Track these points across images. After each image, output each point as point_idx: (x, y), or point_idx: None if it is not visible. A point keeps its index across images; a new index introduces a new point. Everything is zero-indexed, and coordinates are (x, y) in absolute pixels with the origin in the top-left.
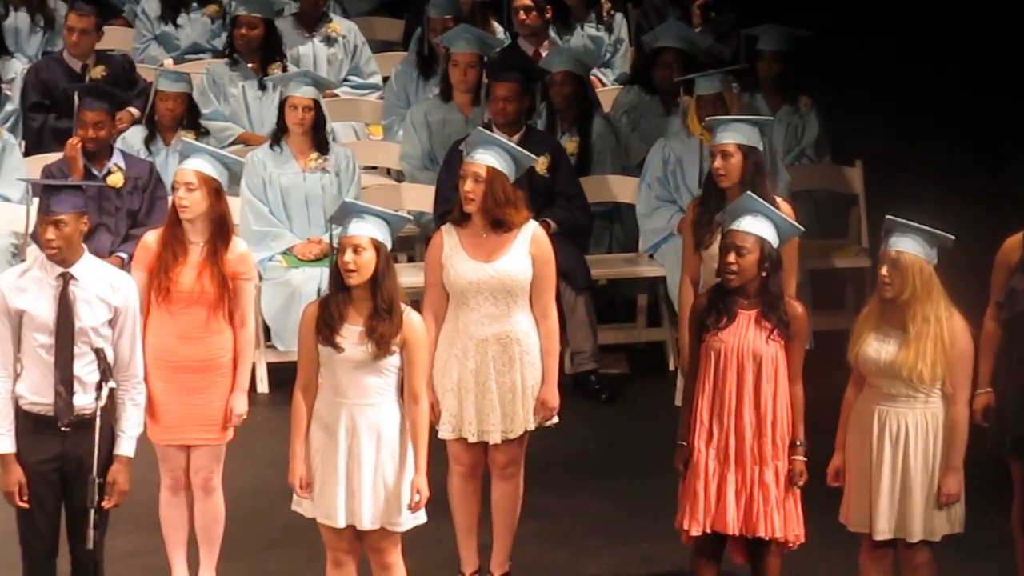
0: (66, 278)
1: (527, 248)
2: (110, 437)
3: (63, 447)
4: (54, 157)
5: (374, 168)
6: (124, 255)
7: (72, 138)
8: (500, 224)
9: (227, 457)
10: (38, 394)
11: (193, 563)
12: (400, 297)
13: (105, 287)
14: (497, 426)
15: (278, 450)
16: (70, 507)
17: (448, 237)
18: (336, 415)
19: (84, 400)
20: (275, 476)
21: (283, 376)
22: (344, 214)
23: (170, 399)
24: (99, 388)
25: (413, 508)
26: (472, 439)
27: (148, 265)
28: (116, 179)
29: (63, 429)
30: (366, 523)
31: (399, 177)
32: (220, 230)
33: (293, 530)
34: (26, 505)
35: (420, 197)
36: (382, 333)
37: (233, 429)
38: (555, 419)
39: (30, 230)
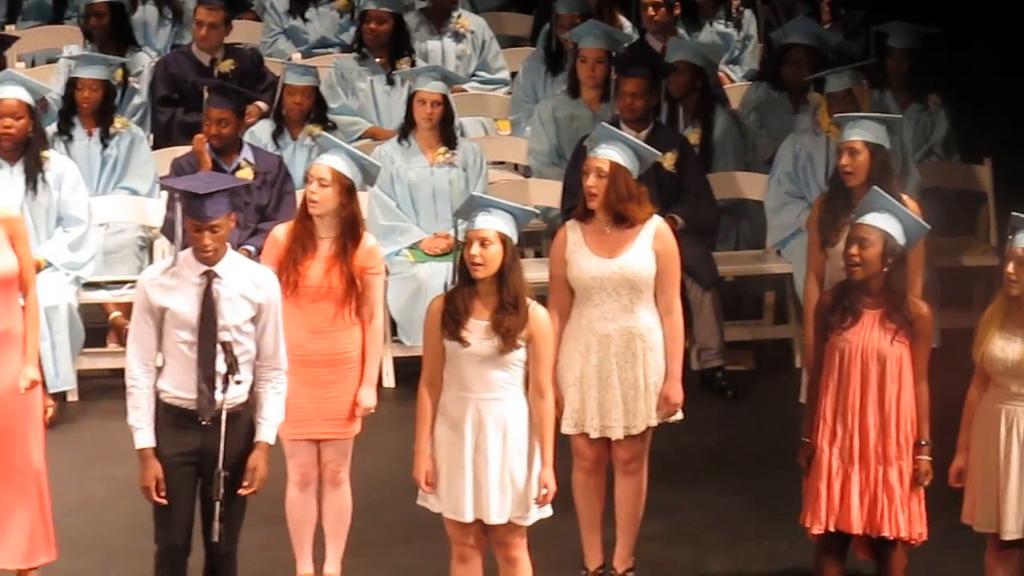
0: (210, 276)
1: (651, 243)
2: (244, 431)
3: (203, 441)
4: (182, 151)
5: (501, 163)
6: (252, 248)
7: (200, 133)
8: (623, 219)
9: (353, 451)
10: (180, 388)
11: (319, 557)
12: (526, 291)
13: (248, 284)
14: (619, 422)
15: (404, 444)
16: (205, 501)
17: (572, 233)
18: (462, 410)
19: (232, 396)
20: (401, 470)
21: (409, 370)
22: (471, 208)
23: (299, 393)
24: (225, 381)
25: (540, 502)
26: (594, 434)
27: (277, 259)
28: (245, 173)
29: (204, 424)
30: (493, 517)
31: (526, 172)
32: (350, 228)
33: (419, 524)
34: (163, 501)
35: (547, 192)
36: (508, 327)
37: (360, 423)
38: (679, 415)
39: (159, 224)
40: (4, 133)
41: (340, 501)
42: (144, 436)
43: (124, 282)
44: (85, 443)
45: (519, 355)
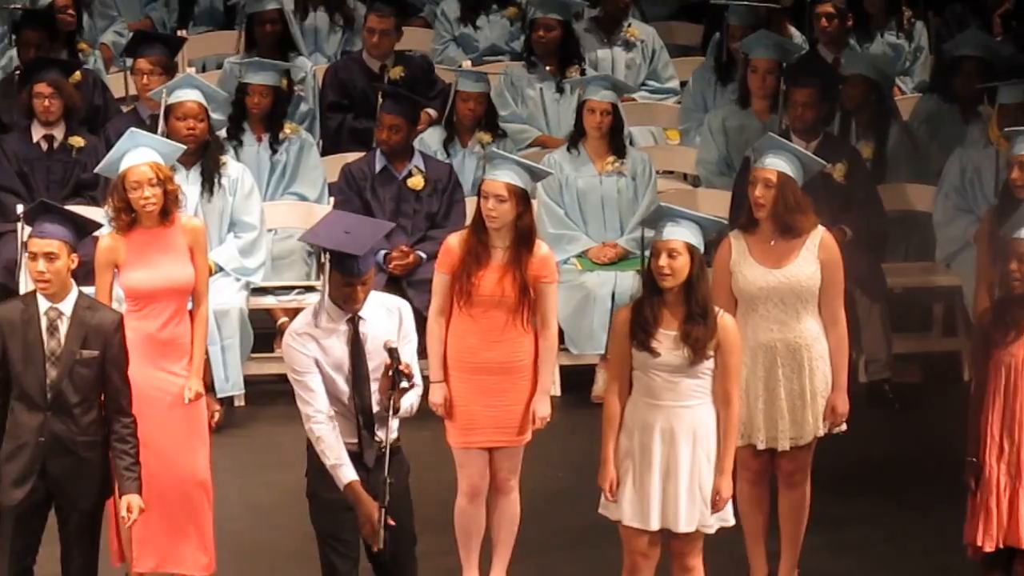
0: (354, 322)
1: (816, 253)
2: (402, 465)
3: (368, 478)
4: (352, 156)
5: (670, 172)
6: (424, 254)
7: (371, 138)
8: (789, 230)
9: (523, 460)
10: (344, 433)
11: (483, 565)
12: (712, 301)
13: (384, 316)
14: (786, 432)
15: (572, 453)
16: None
17: (736, 243)
18: (652, 418)
19: (383, 434)
20: (568, 478)
21: (576, 379)
22: (658, 217)
23: (471, 401)
24: (390, 408)
25: (714, 508)
26: (761, 446)
27: (451, 268)
28: (416, 181)
29: (369, 466)
30: (682, 526)
31: (695, 182)
32: (524, 237)
33: (586, 533)
34: (384, 535)
35: (716, 202)
36: (697, 337)
37: (531, 431)
38: (843, 426)
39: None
40: (189, 135)
41: (510, 509)
42: (347, 471)
43: (292, 287)
44: (252, 449)
45: (709, 364)
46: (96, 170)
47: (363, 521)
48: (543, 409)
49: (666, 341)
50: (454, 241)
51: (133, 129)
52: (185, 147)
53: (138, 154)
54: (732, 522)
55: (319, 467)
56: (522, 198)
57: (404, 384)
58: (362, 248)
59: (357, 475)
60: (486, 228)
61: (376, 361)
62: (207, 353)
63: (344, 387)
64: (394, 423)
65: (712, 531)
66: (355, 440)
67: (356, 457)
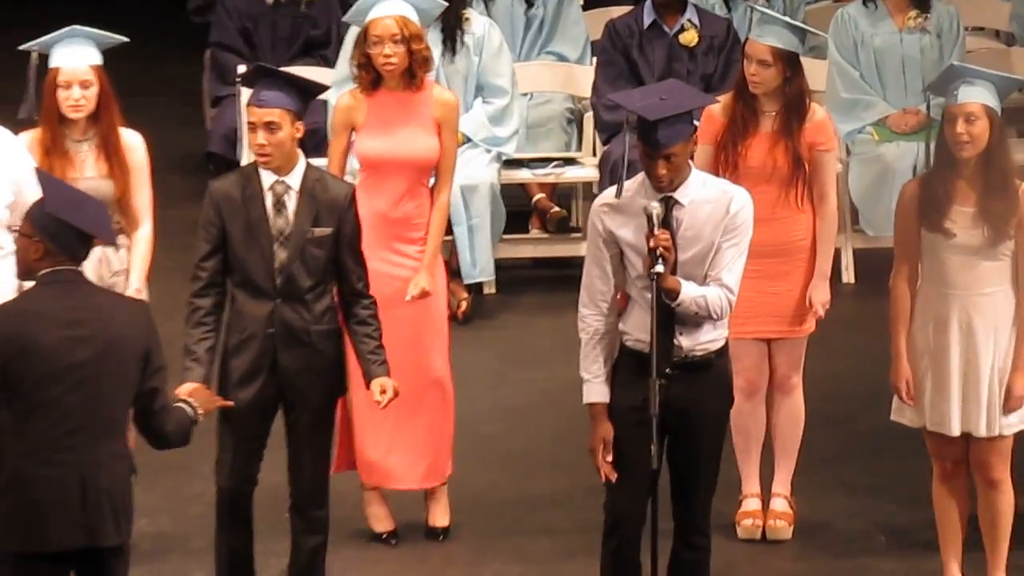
0: (667, 204)
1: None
2: (714, 383)
3: (666, 396)
4: (618, 11)
5: (980, 29)
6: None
7: None
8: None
9: (807, 354)
10: (643, 331)
11: (765, 473)
12: (1014, 172)
13: (708, 204)
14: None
15: (864, 348)
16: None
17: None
18: (947, 309)
19: (693, 341)
20: (860, 377)
21: (871, 264)
22: (949, 79)
23: (744, 286)
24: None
25: (1006, 408)
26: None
27: (714, 137)
28: (689, 37)
29: (666, 375)
30: (983, 429)
31: (1009, 40)
32: (796, 102)
33: (881, 439)
34: (610, 472)
35: None
36: (999, 212)
37: (815, 321)
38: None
39: (589, 95)
40: None
41: (792, 410)
42: (594, 390)
43: (550, 159)
44: (503, 343)
45: (1010, 244)
46: (344, 18)
47: (590, 450)
48: (821, 294)
49: (962, 219)
50: (716, 108)
51: None
52: (446, 3)
53: (387, 5)
54: None
55: None
56: (790, 62)
57: (658, 267)
58: (659, 113)
59: (605, 398)
60: (751, 92)
61: (690, 252)
62: (452, 235)
63: (643, 273)
64: (708, 329)
65: (1012, 432)
66: (647, 339)
67: (643, 361)
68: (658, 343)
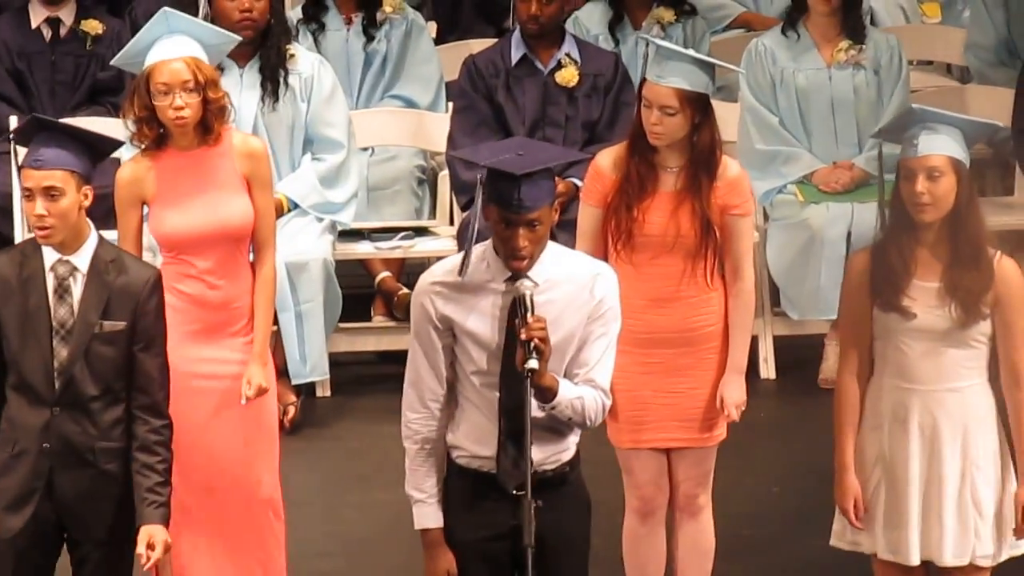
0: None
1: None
2: (572, 502)
3: (515, 517)
4: (479, 45)
5: (928, 63)
6: (577, 181)
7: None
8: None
9: (717, 466)
10: (479, 443)
11: None
12: (987, 239)
13: (567, 283)
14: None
15: (787, 458)
16: None
17: None
18: (904, 408)
19: (545, 453)
20: (784, 495)
21: (795, 355)
22: (905, 125)
23: (639, 384)
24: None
25: (1019, 531)
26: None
27: (603, 198)
28: (568, 75)
29: (516, 494)
30: (948, 557)
31: (963, 76)
32: (705, 156)
33: (810, 571)
34: None
35: (991, 103)
36: (969, 289)
37: (726, 427)
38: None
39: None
40: (243, 19)
41: (698, 537)
42: (428, 513)
43: (396, 229)
44: (340, 457)
45: (983, 328)
46: (113, 62)
47: None
48: (734, 393)
49: (924, 297)
50: (605, 161)
51: (167, 9)
52: (239, 37)
53: (172, 44)
54: None
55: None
56: (699, 106)
57: (532, 362)
58: (525, 167)
59: (439, 522)
60: (650, 143)
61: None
62: (277, 324)
63: (488, 370)
64: (570, 438)
65: (991, 564)
66: (490, 455)
67: (489, 481)
68: (504, 457)
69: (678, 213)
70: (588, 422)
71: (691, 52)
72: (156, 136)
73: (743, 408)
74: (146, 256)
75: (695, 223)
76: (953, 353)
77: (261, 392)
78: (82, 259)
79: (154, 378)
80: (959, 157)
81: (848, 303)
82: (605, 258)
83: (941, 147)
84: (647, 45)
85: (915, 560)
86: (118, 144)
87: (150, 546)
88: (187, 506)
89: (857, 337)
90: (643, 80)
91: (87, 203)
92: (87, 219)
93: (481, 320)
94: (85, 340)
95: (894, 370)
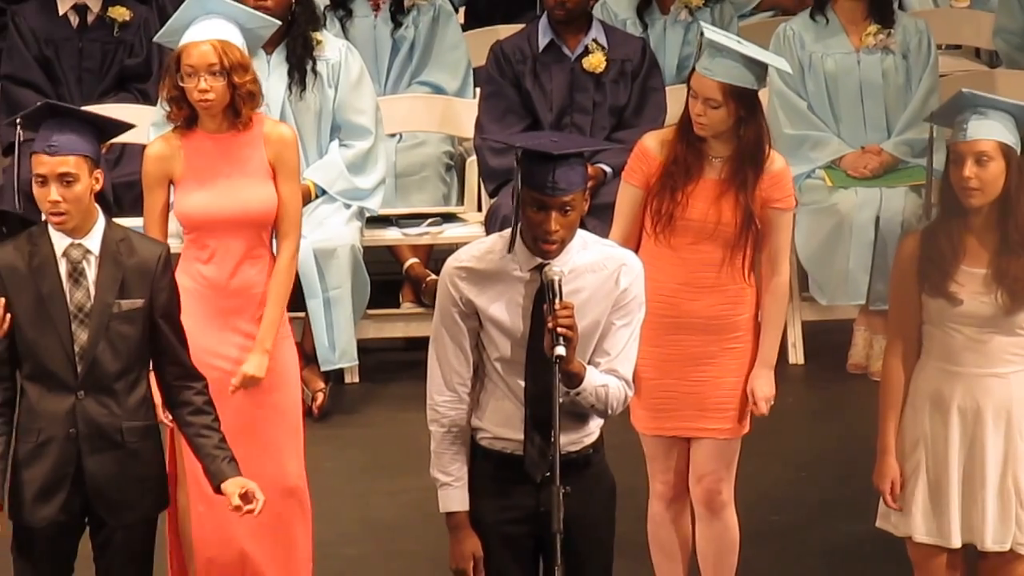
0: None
1: None
2: (594, 484)
3: (538, 500)
4: (506, 30)
5: (957, 48)
6: (607, 167)
7: None
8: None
9: (742, 452)
10: (504, 426)
11: None
12: None
13: (593, 272)
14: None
15: (816, 445)
16: None
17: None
18: (949, 391)
19: (569, 437)
20: (812, 480)
21: (824, 341)
22: (955, 109)
23: (664, 372)
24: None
25: None
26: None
27: (646, 179)
28: (595, 61)
29: (535, 480)
30: (990, 542)
31: (992, 61)
32: (751, 149)
33: (836, 558)
34: None
35: (1021, 89)
36: (1016, 276)
37: (749, 418)
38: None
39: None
40: (257, 6)
41: (721, 532)
42: (455, 496)
43: (424, 216)
44: (368, 444)
45: None
46: (156, 38)
47: (453, 571)
48: (764, 388)
49: (971, 283)
50: (652, 143)
51: None
52: (278, 22)
53: (205, 26)
54: None
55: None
56: (744, 101)
57: (560, 349)
58: (561, 148)
59: (465, 506)
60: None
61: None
62: (306, 311)
63: (510, 356)
64: (593, 422)
65: None
66: (519, 438)
67: (513, 464)
68: (530, 445)
69: (720, 202)
70: (610, 410)
71: (742, 47)
72: (187, 116)
73: (772, 403)
74: (171, 242)
75: (737, 213)
76: (999, 340)
77: (247, 382)
78: (93, 241)
79: (179, 344)
80: (1009, 142)
81: (896, 287)
82: (639, 240)
83: (990, 132)
84: (700, 35)
85: (956, 543)
86: (127, 127)
87: (246, 498)
88: (210, 495)
89: (904, 321)
90: (693, 69)
91: (98, 187)
92: (95, 204)
93: (505, 308)
94: (105, 321)
95: (940, 353)
